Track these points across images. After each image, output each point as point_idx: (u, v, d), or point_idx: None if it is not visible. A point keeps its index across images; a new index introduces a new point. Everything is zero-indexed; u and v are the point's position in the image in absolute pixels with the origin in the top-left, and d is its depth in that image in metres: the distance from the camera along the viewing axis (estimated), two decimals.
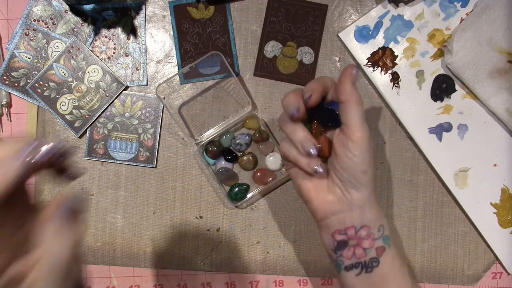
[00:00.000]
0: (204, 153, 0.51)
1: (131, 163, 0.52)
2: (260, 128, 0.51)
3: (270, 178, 0.51)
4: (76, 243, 0.25)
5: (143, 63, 0.52)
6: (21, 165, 0.24)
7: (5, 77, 0.51)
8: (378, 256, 0.37)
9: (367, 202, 0.37)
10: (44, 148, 0.25)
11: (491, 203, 0.51)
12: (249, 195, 0.51)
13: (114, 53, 0.52)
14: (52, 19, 0.51)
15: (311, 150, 0.37)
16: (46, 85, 0.51)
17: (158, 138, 0.52)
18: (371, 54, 0.51)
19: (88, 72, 0.51)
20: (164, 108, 0.52)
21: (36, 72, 0.51)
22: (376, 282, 0.37)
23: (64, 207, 0.26)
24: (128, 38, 0.51)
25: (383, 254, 0.37)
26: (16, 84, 0.51)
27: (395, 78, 0.51)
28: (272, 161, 0.51)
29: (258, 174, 0.51)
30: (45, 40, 0.51)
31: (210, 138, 0.51)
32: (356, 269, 0.37)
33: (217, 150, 0.51)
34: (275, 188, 0.52)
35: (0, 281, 0.24)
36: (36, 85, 0.51)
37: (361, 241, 0.37)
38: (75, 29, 0.51)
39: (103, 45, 0.51)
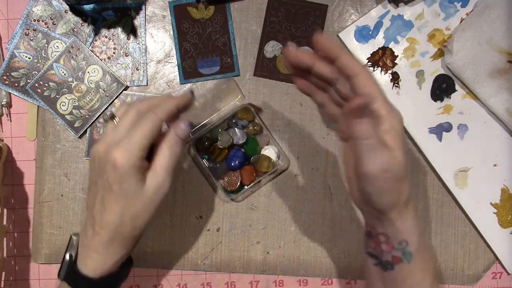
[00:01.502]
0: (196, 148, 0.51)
1: None
2: (254, 121, 0.51)
3: (255, 175, 0.51)
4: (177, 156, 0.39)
5: (143, 63, 0.52)
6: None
7: (5, 77, 0.51)
8: (393, 263, 0.36)
9: (392, 213, 0.35)
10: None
11: (491, 203, 0.51)
12: (245, 188, 0.51)
13: (114, 53, 0.52)
14: (52, 19, 0.51)
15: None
16: (46, 85, 0.51)
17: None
18: (371, 54, 0.51)
19: (88, 72, 0.51)
20: None
21: (36, 72, 0.51)
22: (387, 282, 0.37)
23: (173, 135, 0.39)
24: (128, 38, 0.51)
25: (399, 264, 0.36)
26: (16, 84, 0.51)
27: (395, 78, 0.51)
28: (268, 154, 0.51)
29: (244, 173, 0.51)
30: (45, 40, 0.51)
31: (199, 132, 0.50)
32: (374, 259, 0.38)
33: (208, 144, 0.50)
34: (270, 180, 0.52)
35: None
36: (36, 85, 0.51)
37: (380, 243, 0.37)
38: (75, 29, 0.51)
39: (103, 45, 0.51)
